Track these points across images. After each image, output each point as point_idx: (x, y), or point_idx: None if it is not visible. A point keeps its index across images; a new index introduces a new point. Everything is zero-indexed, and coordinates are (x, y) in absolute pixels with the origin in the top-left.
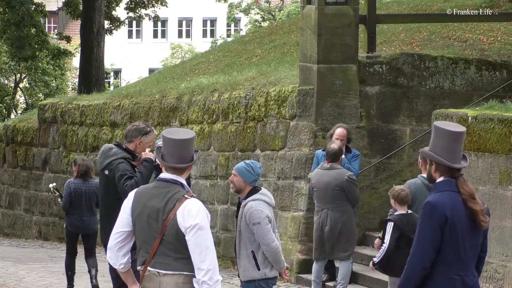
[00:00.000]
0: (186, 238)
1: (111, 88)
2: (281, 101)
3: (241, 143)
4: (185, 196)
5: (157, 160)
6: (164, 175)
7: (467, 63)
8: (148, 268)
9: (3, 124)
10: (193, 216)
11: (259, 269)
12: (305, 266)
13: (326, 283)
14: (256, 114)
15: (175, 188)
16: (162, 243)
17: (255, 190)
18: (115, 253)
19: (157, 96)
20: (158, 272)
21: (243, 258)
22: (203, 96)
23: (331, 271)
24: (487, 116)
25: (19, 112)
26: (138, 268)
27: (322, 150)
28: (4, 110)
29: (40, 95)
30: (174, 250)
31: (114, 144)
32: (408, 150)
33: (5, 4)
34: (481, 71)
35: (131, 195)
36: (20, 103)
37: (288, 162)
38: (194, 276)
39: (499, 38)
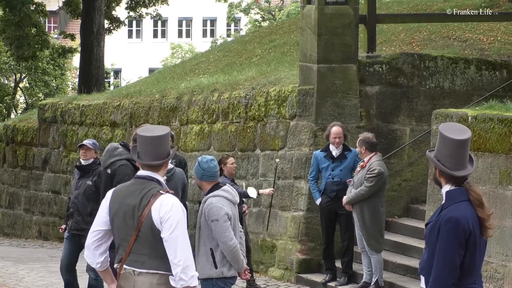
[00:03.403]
0: (162, 234)
1: (111, 88)
2: (281, 101)
3: (241, 143)
4: (160, 191)
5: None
6: (141, 172)
7: (467, 63)
8: (124, 266)
9: (3, 124)
10: (167, 212)
11: (216, 267)
12: (305, 266)
13: (328, 283)
14: (256, 114)
15: (151, 184)
16: (137, 240)
17: (217, 186)
18: (92, 252)
19: (157, 96)
20: (134, 271)
21: (201, 255)
22: (203, 96)
23: (333, 271)
24: (487, 116)
25: (19, 112)
26: (115, 266)
27: (321, 151)
28: (4, 110)
29: (40, 95)
30: (149, 247)
31: (120, 144)
32: (408, 150)
33: (5, 4)
34: (481, 71)
35: (109, 194)
36: (20, 103)
37: (288, 162)
38: (170, 275)
39: (499, 38)
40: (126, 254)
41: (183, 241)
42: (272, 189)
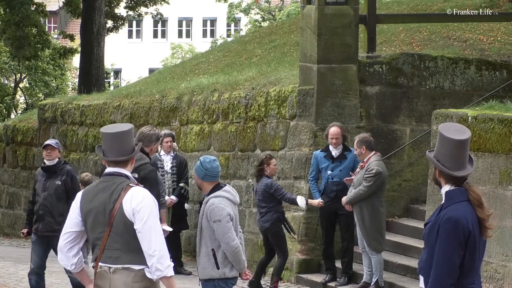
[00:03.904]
0: (134, 226)
1: (111, 88)
2: (281, 101)
3: (241, 143)
4: (130, 184)
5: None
6: (108, 169)
7: (467, 63)
8: (100, 264)
9: (3, 124)
10: (139, 203)
11: (218, 268)
12: (305, 266)
13: (328, 284)
14: (256, 114)
15: (120, 179)
16: (110, 236)
17: (218, 187)
18: (65, 254)
19: (157, 96)
20: (109, 268)
21: (202, 256)
22: (203, 96)
23: (333, 271)
24: (487, 116)
25: (19, 112)
26: (91, 265)
27: (320, 151)
28: (4, 110)
29: (40, 95)
30: (123, 242)
31: None
32: (408, 150)
33: (5, 4)
34: (481, 71)
35: (79, 195)
36: (20, 103)
37: (288, 162)
38: (146, 268)
39: (499, 38)
40: (100, 251)
41: (157, 232)
42: (321, 200)
